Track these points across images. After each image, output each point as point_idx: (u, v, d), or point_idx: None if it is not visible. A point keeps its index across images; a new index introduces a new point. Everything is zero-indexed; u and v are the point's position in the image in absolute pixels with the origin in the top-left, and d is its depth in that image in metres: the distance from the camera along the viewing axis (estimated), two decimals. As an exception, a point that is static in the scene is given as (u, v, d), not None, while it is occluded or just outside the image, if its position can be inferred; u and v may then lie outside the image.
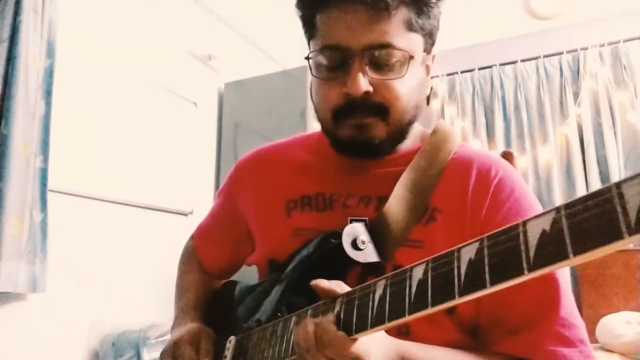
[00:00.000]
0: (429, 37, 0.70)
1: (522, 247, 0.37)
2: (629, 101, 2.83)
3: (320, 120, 0.73)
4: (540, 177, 2.96)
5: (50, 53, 1.83)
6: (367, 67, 0.65)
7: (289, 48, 3.23)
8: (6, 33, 1.72)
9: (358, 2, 0.63)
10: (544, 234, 0.36)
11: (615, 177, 2.76)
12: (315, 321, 0.53)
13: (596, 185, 2.80)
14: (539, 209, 0.69)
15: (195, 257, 0.95)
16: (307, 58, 0.70)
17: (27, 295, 1.79)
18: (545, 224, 0.36)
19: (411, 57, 0.66)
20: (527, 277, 0.36)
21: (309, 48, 0.72)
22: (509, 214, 0.66)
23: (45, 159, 1.78)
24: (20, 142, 1.69)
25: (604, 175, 2.81)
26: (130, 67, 2.34)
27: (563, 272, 0.64)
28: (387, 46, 0.64)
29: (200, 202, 2.61)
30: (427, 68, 0.74)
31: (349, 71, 0.65)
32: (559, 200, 2.88)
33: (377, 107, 0.66)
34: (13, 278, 1.64)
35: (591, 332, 2.15)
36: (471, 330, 0.67)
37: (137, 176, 2.31)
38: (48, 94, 1.81)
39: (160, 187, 2.44)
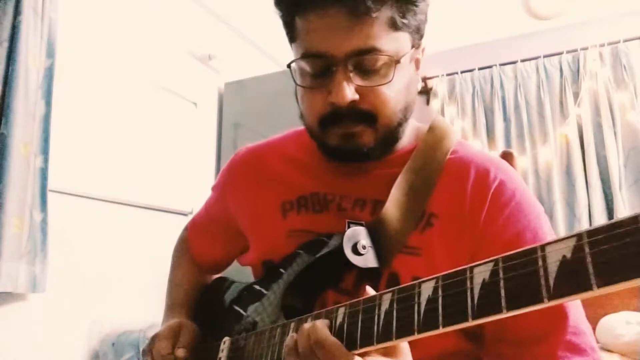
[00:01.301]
0: (416, 33, 0.66)
1: (542, 273, 0.36)
2: (629, 101, 2.82)
3: (307, 127, 0.71)
4: (540, 177, 2.96)
5: (50, 53, 1.83)
6: (352, 74, 0.62)
7: (288, 48, 3.22)
8: (6, 33, 1.72)
9: (337, 6, 0.59)
10: (564, 261, 0.34)
11: (615, 177, 2.75)
12: (310, 325, 0.51)
13: (596, 185, 2.79)
14: (540, 212, 0.67)
15: (187, 249, 0.95)
16: (289, 65, 0.67)
17: (27, 295, 1.79)
18: (566, 250, 0.35)
19: (397, 62, 0.62)
20: (546, 305, 0.35)
21: (292, 50, 0.69)
22: (510, 219, 0.64)
23: (45, 159, 1.78)
24: (20, 142, 1.69)
25: (604, 175, 2.81)
26: (130, 67, 2.34)
27: None
28: (372, 50, 0.61)
29: (200, 202, 2.58)
30: (417, 62, 0.71)
31: (333, 79, 0.62)
32: (559, 200, 2.88)
33: (364, 114, 0.64)
34: (13, 278, 1.64)
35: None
36: (472, 335, 0.66)
37: (137, 176, 2.31)
38: (48, 94, 1.81)
39: (160, 187, 2.44)
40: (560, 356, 0.58)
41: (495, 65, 3.17)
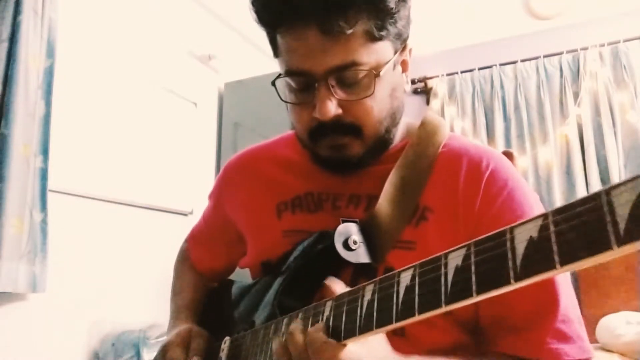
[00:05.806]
0: (398, 38, 0.66)
1: (509, 255, 0.36)
2: (629, 101, 2.82)
3: (298, 138, 0.72)
4: (540, 177, 2.96)
5: (50, 53, 1.83)
6: (334, 88, 0.63)
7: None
8: (6, 33, 1.72)
9: (310, 27, 0.60)
10: (531, 241, 0.34)
11: (616, 177, 2.76)
12: (305, 331, 0.53)
13: (596, 185, 2.79)
14: (534, 200, 0.67)
15: (188, 259, 0.96)
16: (274, 83, 0.68)
17: (27, 295, 1.79)
18: (533, 231, 0.35)
19: (377, 75, 0.63)
20: (513, 286, 0.35)
21: (278, 64, 0.70)
22: (503, 207, 0.64)
23: (45, 159, 1.78)
24: (20, 142, 1.69)
25: (604, 175, 2.81)
26: (130, 67, 2.34)
27: None
28: (351, 65, 0.61)
29: (200, 202, 2.59)
30: (404, 64, 0.71)
31: (316, 95, 0.63)
32: (559, 200, 2.88)
33: (349, 127, 0.65)
34: (13, 278, 1.64)
35: (591, 332, 2.15)
36: (470, 328, 0.66)
37: (137, 176, 2.31)
38: (48, 94, 1.81)
39: (160, 187, 2.44)
40: (549, 343, 0.59)
41: (495, 65, 3.17)
